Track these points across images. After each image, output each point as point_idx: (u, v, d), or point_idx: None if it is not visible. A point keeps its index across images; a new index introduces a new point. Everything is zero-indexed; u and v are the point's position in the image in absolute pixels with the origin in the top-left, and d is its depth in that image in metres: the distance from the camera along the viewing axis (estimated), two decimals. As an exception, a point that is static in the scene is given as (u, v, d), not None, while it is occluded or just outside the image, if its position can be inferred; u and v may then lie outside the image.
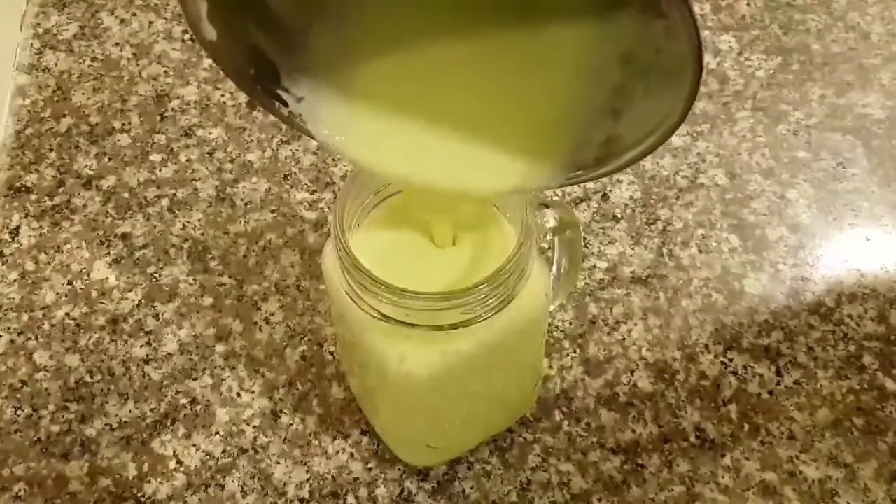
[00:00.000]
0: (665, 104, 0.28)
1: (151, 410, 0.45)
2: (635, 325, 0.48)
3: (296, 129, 0.33)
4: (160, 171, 0.54)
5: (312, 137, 0.33)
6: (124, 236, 0.51)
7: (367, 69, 0.32)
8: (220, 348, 0.47)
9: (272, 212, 0.52)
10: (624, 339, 0.47)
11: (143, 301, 0.49)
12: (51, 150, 0.55)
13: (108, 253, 0.50)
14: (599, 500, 0.43)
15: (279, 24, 0.31)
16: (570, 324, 0.48)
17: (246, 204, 0.52)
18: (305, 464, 0.44)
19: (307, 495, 0.43)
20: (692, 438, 0.44)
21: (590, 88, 0.31)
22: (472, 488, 0.43)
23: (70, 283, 0.49)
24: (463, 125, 0.32)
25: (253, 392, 0.46)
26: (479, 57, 0.32)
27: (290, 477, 0.43)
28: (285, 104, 0.32)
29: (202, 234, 0.51)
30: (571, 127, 0.32)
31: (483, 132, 0.32)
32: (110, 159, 0.54)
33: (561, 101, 0.32)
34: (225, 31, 0.29)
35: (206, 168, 0.54)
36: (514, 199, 0.36)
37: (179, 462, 0.44)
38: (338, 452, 0.44)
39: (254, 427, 0.45)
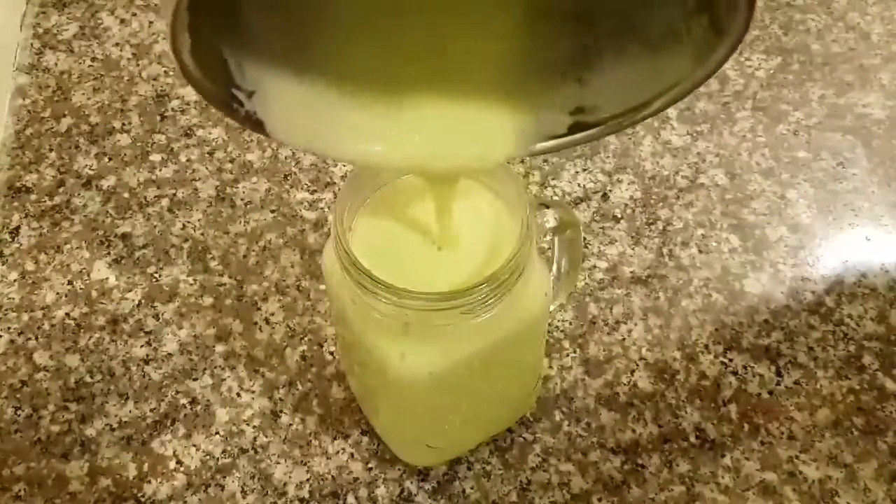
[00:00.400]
0: (659, 77, 0.28)
1: (151, 410, 0.45)
2: (635, 325, 0.48)
3: (251, 128, 0.31)
4: (160, 171, 0.54)
5: (266, 134, 0.31)
6: (124, 236, 0.51)
7: (321, 51, 0.31)
8: (220, 348, 0.47)
9: (272, 212, 0.52)
10: (624, 339, 0.47)
11: (143, 301, 0.49)
12: (51, 150, 0.55)
13: (108, 253, 0.50)
14: (599, 500, 0.43)
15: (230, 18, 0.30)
16: (570, 324, 0.48)
17: (246, 204, 0.52)
18: (305, 464, 0.44)
19: (307, 495, 0.43)
20: (692, 438, 0.44)
21: (540, 44, 0.31)
22: (472, 488, 0.43)
23: (70, 283, 0.49)
24: (425, 100, 0.32)
25: (253, 392, 0.46)
26: (435, 20, 0.31)
27: (290, 477, 0.43)
28: (241, 104, 0.31)
29: (202, 234, 0.51)
30: (531, 91, 0.31)
31: (451, 104, 0.32)
32: (110, 159, 0.54)
33: (511, 62, 0.31)
34: (195, 45, 0.28)
35: (206, 168, 0.54)
36: (515, 199, 0.36)
37: (179, 462, 0.44)
38: (338, 452, 0.44)
39: (254, 427, 0.45)
